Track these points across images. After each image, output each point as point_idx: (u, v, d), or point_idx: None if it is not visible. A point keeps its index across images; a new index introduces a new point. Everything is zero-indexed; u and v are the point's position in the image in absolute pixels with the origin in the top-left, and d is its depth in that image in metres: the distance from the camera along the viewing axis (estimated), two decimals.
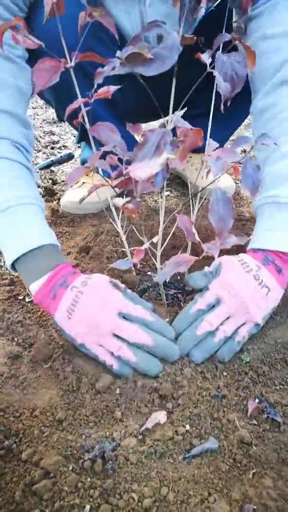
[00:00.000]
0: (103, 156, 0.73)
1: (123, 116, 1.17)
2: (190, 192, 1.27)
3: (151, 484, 0.59)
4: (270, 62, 0.83)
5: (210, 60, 0.65)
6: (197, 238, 0.73)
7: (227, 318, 0.78)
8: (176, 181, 1.58)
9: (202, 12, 0.63)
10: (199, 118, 1.08)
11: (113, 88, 0.69)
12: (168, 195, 1.50)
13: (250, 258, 0.81)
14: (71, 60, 0.68)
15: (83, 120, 0.73)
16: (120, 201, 0.78)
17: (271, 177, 0.84)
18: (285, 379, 0.76)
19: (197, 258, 0.76)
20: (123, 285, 0.80)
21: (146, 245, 0.81)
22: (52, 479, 0.59)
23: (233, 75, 0.67)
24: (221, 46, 0.69)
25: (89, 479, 0.60)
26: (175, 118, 0.68)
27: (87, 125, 0.73)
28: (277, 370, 0.79)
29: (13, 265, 0.82)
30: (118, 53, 0.59)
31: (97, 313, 0.74)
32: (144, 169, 0.58)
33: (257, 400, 0.71)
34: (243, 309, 0.77)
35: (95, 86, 0.65)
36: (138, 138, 0.82)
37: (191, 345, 0.76)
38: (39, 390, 0.75)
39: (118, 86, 0.69)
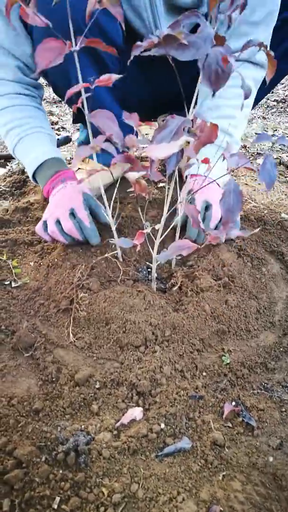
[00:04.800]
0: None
1: (124, 102, 1.16)
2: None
3: (122, 480, 0.60)
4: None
5: None
6: (202, 226, 0.74)
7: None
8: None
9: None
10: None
11: (114, 77, 0.69)
12: (163, 186, 1.49)
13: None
14: (76, 44, 0.67)
15: (82, 106, 0.72)
16: (134, 175, 0.77)
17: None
18: (263, 383, 0.77)
19: (199, 246, 0.77)
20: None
21: (148, 230, 0.81)
22: (24, 469, 0.60)
23: (218, 70, 0.67)
24: None
25: (61, 471, 0.60)
26: (196, 110, 0.68)
27: (86, 111, 0.73)
28: (256, 374, 0.79)
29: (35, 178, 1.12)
30: (157, 32, 0.59)
31: (57, 204, 1.00)
32: (162, 149, 0.60)
33: (233, 403, 0.72)
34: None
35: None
36: (134, 126, 0.82)
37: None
38: (18, 378, 0.75)
39: (120, 75, 0.68)
